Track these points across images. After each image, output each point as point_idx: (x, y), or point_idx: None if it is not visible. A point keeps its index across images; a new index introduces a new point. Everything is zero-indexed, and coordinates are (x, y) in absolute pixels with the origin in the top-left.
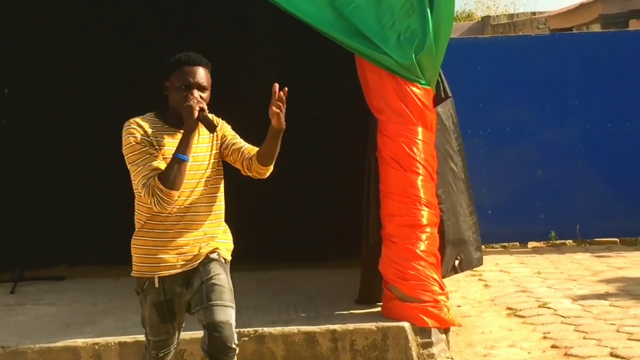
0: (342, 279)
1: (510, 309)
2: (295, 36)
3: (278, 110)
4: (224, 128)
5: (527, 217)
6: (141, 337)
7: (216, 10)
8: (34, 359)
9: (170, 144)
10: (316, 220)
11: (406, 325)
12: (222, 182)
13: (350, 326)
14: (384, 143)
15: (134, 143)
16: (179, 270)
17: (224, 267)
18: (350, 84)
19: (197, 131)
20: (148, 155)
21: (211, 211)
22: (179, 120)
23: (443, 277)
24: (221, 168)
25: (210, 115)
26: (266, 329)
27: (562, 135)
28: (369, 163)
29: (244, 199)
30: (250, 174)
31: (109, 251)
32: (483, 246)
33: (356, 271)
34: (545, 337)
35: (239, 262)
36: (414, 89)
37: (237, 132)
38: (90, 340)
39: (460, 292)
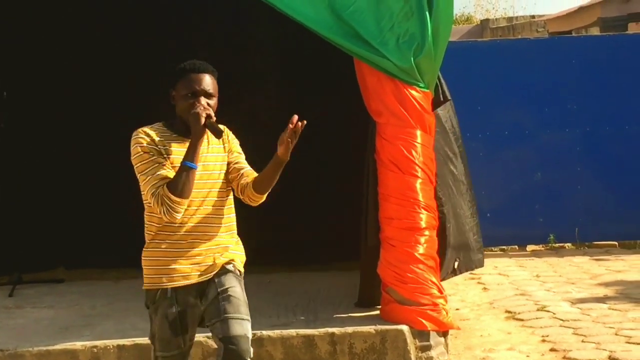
0: (341, 281)
1: (509, 312)
2: (295, 39)
3: (289, 140)
4: (232, 143)
5: (526, 220)
6: (140, 340)
7: (216, 12)
8: None
9: (179, 152)
10: (315, 222)
11: (405, 328)
12: (232, 192)
13: (349, 329)
14: (382, 146)
15: (142, 152)
16: (194, 281)
17: (239, 279)
18: (349, 87)
19: (207, 139)
20: (156, 165)
21: (222, 222)
22: (187, 128)
23: (443, 279)
24: None
25: (221, 127)
26: (265, 332)
27: (561, 139)
28: (368, 166)
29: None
30: (241, 197)
31: (108, 254)
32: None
33: (355, 274)
34: (544, 341)
35: None
36: (413, 92)
37: (236, 135)
38: (88, 343)
39: (459, 295)
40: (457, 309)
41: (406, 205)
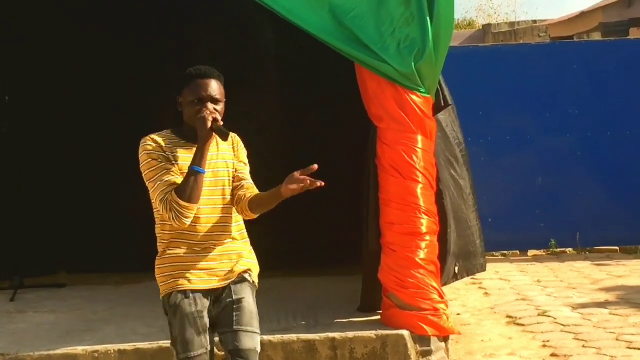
0: (342, 286)
1: (510, 317)
2: (296, 44)
3: (299, 186)
4: (241, 152)
5: (527, 225)
6: (141, 345)
7: (216, 13)
8: None
9: (187, 158)
10: (316, 228)
11: (405, 333)
12: None
13: (350, 334)
14: (383, 151)
15: (150, 160)
16: (211, 287)
17: (253, 290)
18: (350, 92)
19: (216, 145)
20: (164, 171)
21: (233, 229)
22: (195, 134)
23: (444, 284)
24: None
25: (230, 134)
26: (266, 337)
27: (562, 144)
28: (369, 171)
29: None
30: (235, 208)
31: (110, 259)
32: None
33: (356, 279)
34: (544, 346)
35: None
36: (414, 97)
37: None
38: (90, 348)
39: (460, 300)
40: (458, 314)
41: (407, 211)
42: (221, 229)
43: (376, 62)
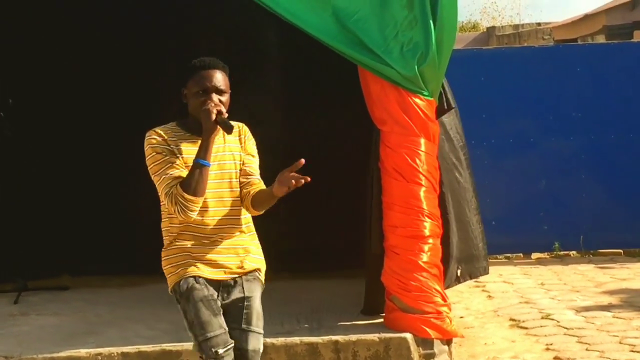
0: (346, 289)
1: (514, 320)
2: (299, 47)
3: (288, 188)
4: (248, 143)
5: (531, 228)
6: (144, 347)
7: (217, 14)
8: None
9: (192, 151)
10: (319, 230)
11: (408, 336)
12: None
13: (353, 337)
14: (386, 154)
15: (154, 153)
16: (219, 277)
17: (261, 290)
18: (353, 95)
19: (223, 137)
20: (169, 164)
21: (242, 222)
22: (200, 127)
23: (447, 287)
24: None
25: (238, 124)
26: (269, 340)
27: (565, 147)
28: (372, 174)
29: None
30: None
31: (113, 261)
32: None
33: (359, 282)
34: (548, 349)
35: None
36: (417, 100)
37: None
38: (93, 351)
39: (464, 303)
40: (461, 317)
41: (410, 214)
42: (229, 221)
43: (379, 65)
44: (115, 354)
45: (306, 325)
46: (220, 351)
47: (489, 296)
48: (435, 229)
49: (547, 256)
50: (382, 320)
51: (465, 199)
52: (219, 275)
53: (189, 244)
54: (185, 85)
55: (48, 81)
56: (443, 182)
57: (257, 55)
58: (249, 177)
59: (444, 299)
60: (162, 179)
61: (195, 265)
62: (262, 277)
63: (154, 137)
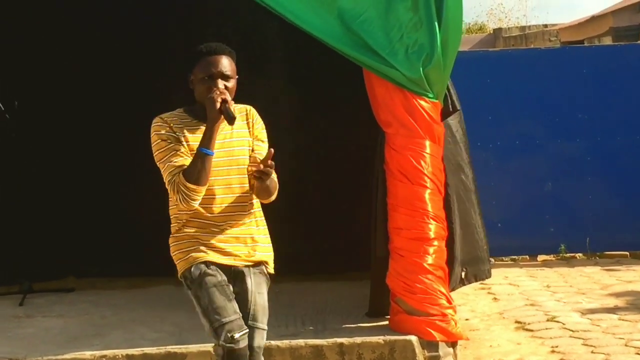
0: (350, 292)
1: (519, 322)
2: (304, 49)
3: (258, 178)
4: (257, 128)
5: (537, 230)
6: (148, 350)
7: (219, 14)
8: None
9: (198, 138)
10: (324, 232)
11: (413, 338)
12: None
13: (358, 339)
14: (391, 156)
15: (159, 140)
16: (228, 263)
17: (268, 285)
18: (359, 97)
19: (232, 124)
20: (173, 152)
21: (252, 208)
22: (206, 113)
23: (452, 290)
24: None
25: (245, 107)
26: (273, 342)
27: (572, 149)
28: (377, 176)
29: None
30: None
31: (118, 264)
32: (492, 259)
33: (364, 284)
34: (553, 351)
35: None
36: (422, 102)
37: None
38: (98, 353)
39: (469, 305)
40: (466, 319)
41: (415, 216)
42: (237, 209)
43: (384, 67)
44: (120, 356)
45: (311, 328)
46: (237, 335)
47: (495, 298)
48: (440, 231)
49: (553, 258)
50: (387, 322)
51: (470, 201)
52: (228, 261)
53: (197, 231)
54: (191, 71)
55: (48, 81)
56: (448, 184)
57: (259, 55)
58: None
59: (449, 302)
60: (165, 166)
61: (204, 252)
62: (271, 268)
63: (159, 124)
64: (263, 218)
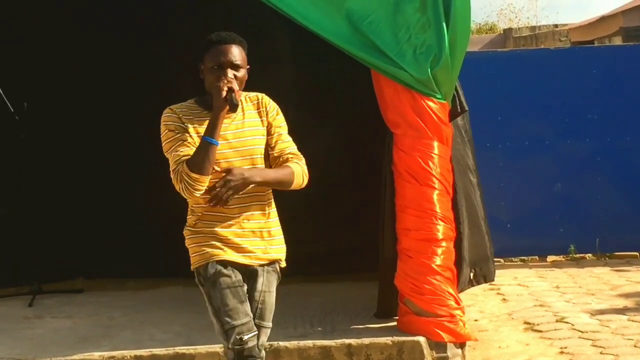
0: (359, 292)
1: (528, 323)
2: (312, 49)
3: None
4: (271, 116)
5: (546, 231)
6: (157, 351)
7: (220, 15)
8: None
9: None
10: (333, 233)
11: (422, 339)
12: None
13: (366, 340)
14: (399, 157)
15: (167, 131)
16: (244, 262)
17: (276, 283)
18: (366, 98)
19: (241, 112)
20: (180, 142)
21: (266, 198)
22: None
23: (461, 291)
24: None
25: (257, 95)
26: (282, 343)
27: (581, 149)
28: (385, 177)
29: None
30: None
31: (127, 264)
32: (502, 260)
33: (372, 285)
34: (562, 352)
35: None
36: (430, 103)
37: None
38: (106, 354)
39: (478, 306)
40: (475, 320)
41: (423, 217)
42: (253, 200)
43: (392, 68)
44: (129, 357)
45: (319, 329)
46: (245, 337)
47: (504, 299)
48: (449, 232)
49: (563, 259)
50: (395, 323)
51: (478, 202)
52: (244, 260)
53: (213, 224)
54: (202, 61)
55: (48, 81)
56: (456, 185)
57: (261, 56)
58: (281, 153)
59: (457, 302)
60: (172, 156)
61: (221, 249)
62: (283, 264)
63: (168, 115)
64: (275, 210)
